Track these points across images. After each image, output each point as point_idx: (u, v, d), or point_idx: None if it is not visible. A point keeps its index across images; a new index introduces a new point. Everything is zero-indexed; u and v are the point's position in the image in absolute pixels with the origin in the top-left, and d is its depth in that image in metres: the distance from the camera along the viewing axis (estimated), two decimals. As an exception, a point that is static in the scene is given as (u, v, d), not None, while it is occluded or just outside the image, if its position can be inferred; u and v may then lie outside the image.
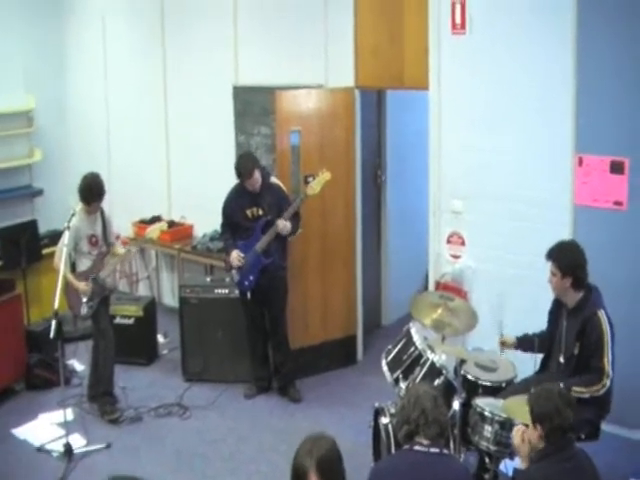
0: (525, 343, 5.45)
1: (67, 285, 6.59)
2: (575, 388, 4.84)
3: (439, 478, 3.80)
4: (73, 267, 6.72)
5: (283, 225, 6.68)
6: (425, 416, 3.85)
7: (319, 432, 3.69)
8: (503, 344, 5.51)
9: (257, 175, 6.73)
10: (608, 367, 4.86)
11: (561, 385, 4.82)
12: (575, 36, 5.95)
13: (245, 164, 6.75)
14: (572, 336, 5.04)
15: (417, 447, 3.86)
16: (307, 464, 3.44)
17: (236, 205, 6.88)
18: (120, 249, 6.98)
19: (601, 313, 4.95)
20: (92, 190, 6.59)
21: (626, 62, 5.79)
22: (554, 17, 6.05)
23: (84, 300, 6.65)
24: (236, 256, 6.81)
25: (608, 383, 4.86)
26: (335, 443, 3.59)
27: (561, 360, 5.12)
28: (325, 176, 6.77)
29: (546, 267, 5.16)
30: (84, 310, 6.68)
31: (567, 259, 5.06)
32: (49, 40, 9.95)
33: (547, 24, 6.09)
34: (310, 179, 7.01)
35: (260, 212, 6.82)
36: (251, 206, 6.82)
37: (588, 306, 5.03)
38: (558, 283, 5.09)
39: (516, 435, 4.08)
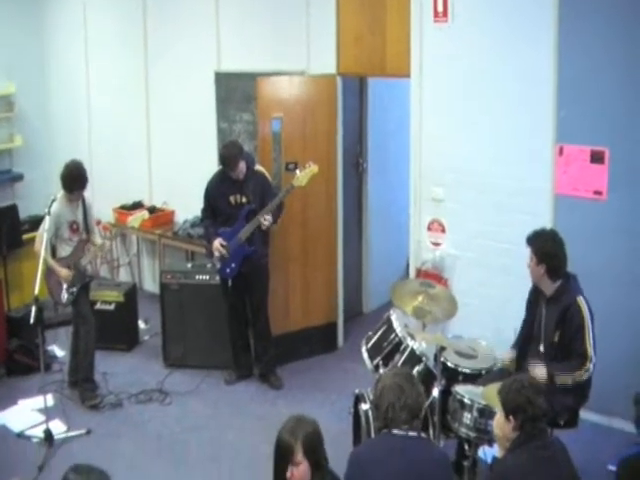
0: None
1: (47, 272, 6.57)
2: (559, 376, 4.86)
3: (418, 461, 3.81)
4: (53, 253, 6.66)
5: (265, 220, 6.63)
6: (393, 408, 3.87)
7: (301, 414, 3.80)
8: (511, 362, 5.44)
9: (242, 165, 6.68)
10: (591, 351, 4.87)
11: (544, 368, 4.88)
12: (557, 27, 5.97)
13: (230, 154, 6.67)
14: (552, 324, 5.05)
15: (395, 430, 3.88)
16: (292, 442, 3.56)
17: (219, 191, 6.83)
18: (97, 239, 6.95)
19: (580, 299, 4.96)
20: (74, 178, 6.53)
21: (607, 53, 5.82)
22: (536, 7, 6.06)
23: (65, 287, 6.62)
24: (219, 244, 6.79)
25: (591, 367, 4.88)
26: (317, 425, 3.71)
27: (541, 349, 5.13)
28: (313, 169, 6.71)
29: (526, 256, 5.18)
30: (64, 297, 6.66)
31: (542, 247, 5.06)
32: (30, 26, 9.88)
33: (529, 14, 6.11)
34: (291, 166, 6.98)
35: (244, 200, 6.78)
36: (235, 193, 6.78)
37: (567, 294, 5.03)
38: (534, 269, 5.11)
39: (496, 425, 4.09)
